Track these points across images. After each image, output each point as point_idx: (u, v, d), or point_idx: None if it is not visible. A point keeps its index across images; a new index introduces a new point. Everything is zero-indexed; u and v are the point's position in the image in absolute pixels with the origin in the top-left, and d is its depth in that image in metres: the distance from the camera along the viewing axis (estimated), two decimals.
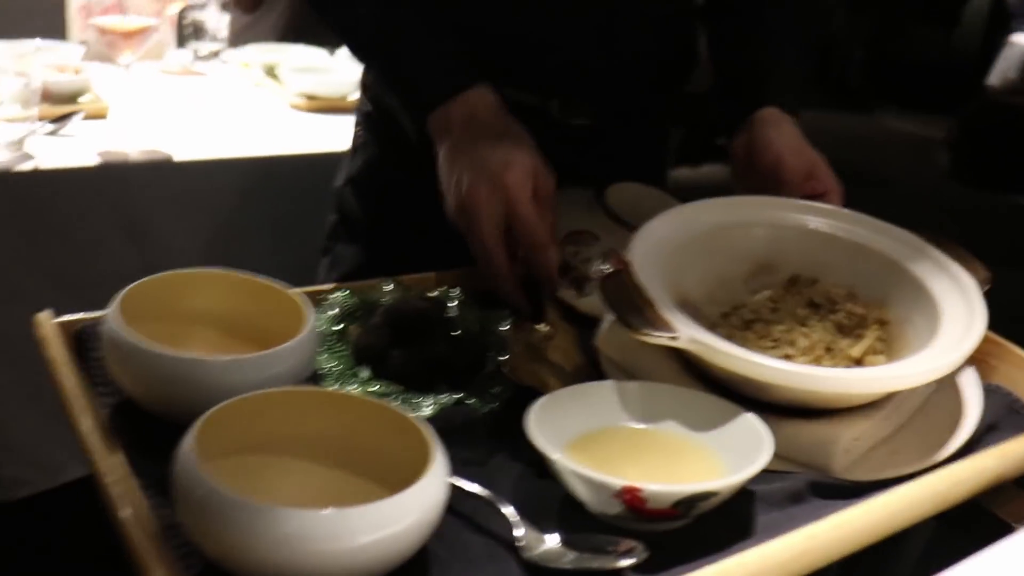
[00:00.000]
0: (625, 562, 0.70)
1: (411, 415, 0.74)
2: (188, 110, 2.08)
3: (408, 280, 1.04)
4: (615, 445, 0.84)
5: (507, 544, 0.74)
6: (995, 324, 0.96)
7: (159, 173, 1.76)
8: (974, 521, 0.90)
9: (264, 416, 0.75)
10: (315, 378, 0.89)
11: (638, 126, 1.34)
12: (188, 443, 0.68)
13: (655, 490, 0.73)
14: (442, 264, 1.10)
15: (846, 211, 1.04)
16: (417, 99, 1.10)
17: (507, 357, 0.93)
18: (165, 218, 1.75)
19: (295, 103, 2.14)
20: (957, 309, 0.91)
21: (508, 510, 0.76)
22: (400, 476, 0.69)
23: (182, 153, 1.80)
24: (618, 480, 0.73)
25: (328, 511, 0.64)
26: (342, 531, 0.64)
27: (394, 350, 0.91)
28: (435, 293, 1.00)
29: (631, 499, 0.73)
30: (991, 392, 0.97)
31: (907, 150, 5.46)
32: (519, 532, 0.74)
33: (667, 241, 0.98)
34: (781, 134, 1.15)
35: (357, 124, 1.36)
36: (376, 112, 1.31)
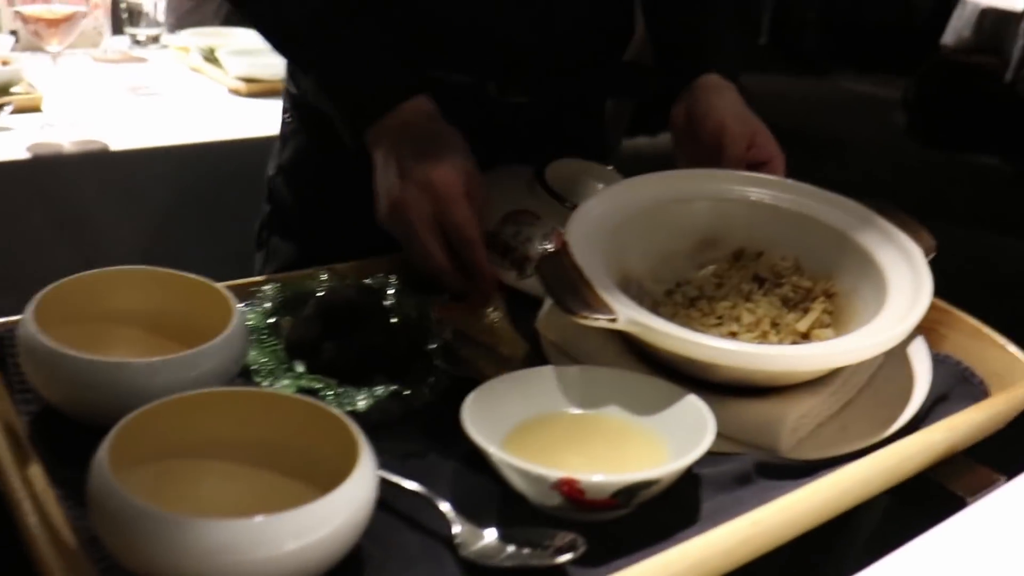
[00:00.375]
0: (563, 558, 0.67)
1: (337, 412, 0.71)
2: (125, 98, 2.02)
3: (341, 269, 1.01)
4: (556, 433, 0.82)
5: (445, 541, 0.72)
6: (947, 288, 0.94)
7: (95, 164, 1.71)
8: (925, 495, 0.88)
9: (186, 419, 0.72)
10: (247, 374, 0.86)
11: (577, 101, 1.30)
12: (102, 452, 0.64)
13: (593, 481, 0.70)
14: (379, 252, 1.07)
15: (790, 182, 1.01)
16: (354, 112, 1.07)
17: (439, 345, 0.89)
18: (103, 211, 1.70)
19: (234, 87, 2.09)
20: (904, 279, 0.89)
21: (445, 506, 0.73)
22: (330, 475, 0.67)
23: (119, 143, 1.76)
24: (554, 472, 0.71)
25: (249, 520, 0.61)
26: (265, 539, 0.61)
27: (327, 342, 0.87)
28: (370, 281, 0.97)
29: (569, 491, 0.71)
30: (941, 362, 0.95)
31: (864, 111, 5.48)
32: (456, 529, 0.72)
33: (607, 218, 0.96)
34: (723, 100, 1.12)
35: (285, 110, 1.32)
36: (303, 96, 1.26)
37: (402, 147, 1.01)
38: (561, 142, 1.20)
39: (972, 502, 0.86)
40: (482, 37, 1.17)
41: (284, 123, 1.32)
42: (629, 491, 0.71)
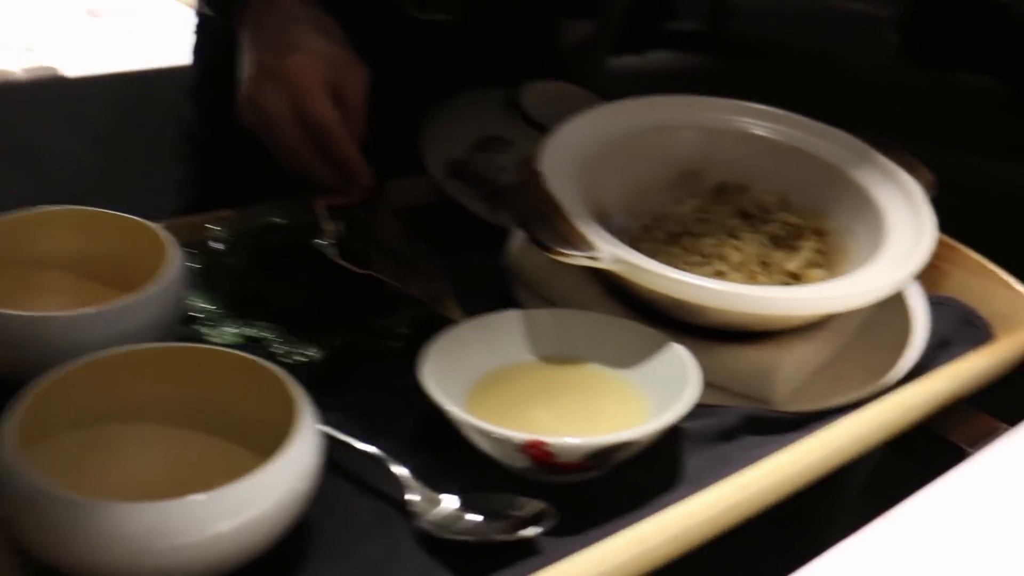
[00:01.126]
0: (528, 531, 0.61)
1: (274, 367, 0.64)
2: (83, 21, 1.93)
3: (290, 206, 0.92)
4: (525, 385, 0.75)
5: (400, 508, 0.65)
6: (943, 220, 0.87)
7: (48, 91, 1.63)
8: (922, 446, 0.82)
9: (108, 381, 0.64)
10: (188, 323, 0.79)
11: (516, 21, 1.18)
12: (6, 425, 0.57)
13: (563, 444, 0.64)
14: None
15: (781, 112, 0.93)
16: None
17: (329, 242, 0.79)
18: (55, 142, 1.62)
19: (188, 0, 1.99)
20: (903, 218, 0.82)
21: (400, 470, 0.67)
22: (272, 438, 0.60)
23: (74, 69, 1.67)
24: (521, 434, 0.64)
25: (175, 501, 0.54)
26: (195, 522, 0.54)
27: (272, 285, 0.80)
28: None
29: (537, 454, 0.64)
30: (942, 305, 0.88)
31: (857, 30, 5.36)
32: (411, 496, 0.65)
33: (583, 147, 0.88)
34: None
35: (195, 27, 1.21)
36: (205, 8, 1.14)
37: (260, 33, 0.89)
38: (506, 70, 1.10)
39: (973, 452, 0.80)
40: None
41: (194, 41, 1.22)
42: (603, 453, 0.65)
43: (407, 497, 0.65)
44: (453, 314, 0.79)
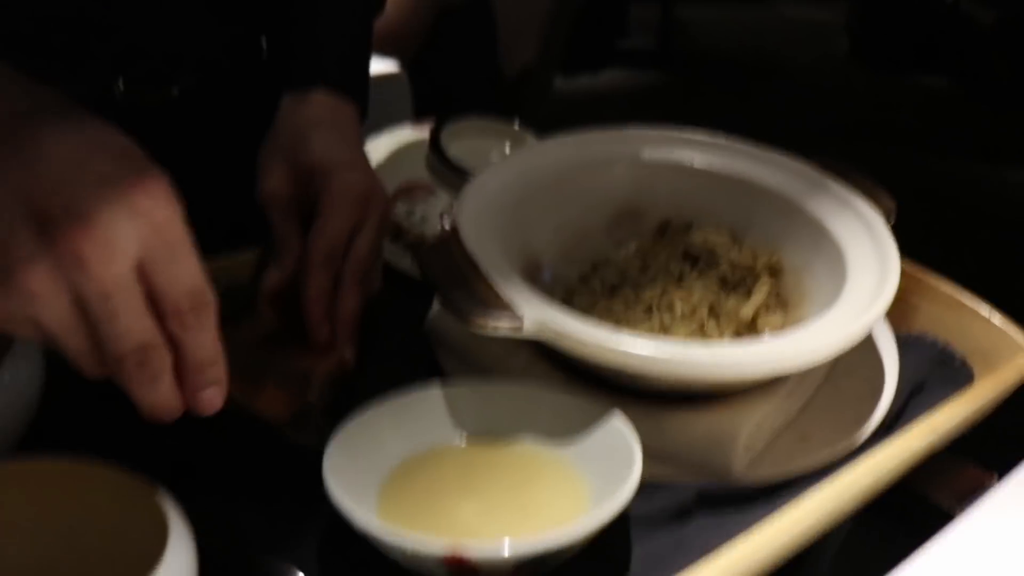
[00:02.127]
0: None
1: (148, 484, 0.55)
2: None
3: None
4: (447, 473, 0.66)
5: None
6: (911, 243, 0.79)
7: None
8: (900, 508, 0.73)
9: None
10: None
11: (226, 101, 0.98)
12: None
13: (487, 557, 0.54)
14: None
15: (723, 140, 0.84)
16: None
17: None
18: None
19: None
20: (864, 252, 0.74)
21: None
22: (147, 560, 0.51)
23: None
24: (439, 546, 0.54)
25: None
26: None
27: None
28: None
29: (459, 567, 0.55)
30: (913, 344, 0.79)
31: (806, 37, 5.33)
32: None
33: (507, 192, 0.79)
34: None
35: None
36: None
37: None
38: (214, 144, 0.95)
39: (959, 512, 0.71)
40: (104, 41, 0.88)
41: None
42: (535, 562, 0.56)
43: None
44: (307, 440, 0.67)
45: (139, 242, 0.49)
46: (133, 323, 0.50)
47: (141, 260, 0.49)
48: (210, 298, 0.52)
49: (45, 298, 0.48)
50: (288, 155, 0.79)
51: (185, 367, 0.53)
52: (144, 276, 0.50)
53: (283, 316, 0.76)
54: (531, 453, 0.67)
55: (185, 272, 0.51)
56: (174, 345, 0.52)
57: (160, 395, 0.52)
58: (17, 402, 0.63)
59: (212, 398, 0.54)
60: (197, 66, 0.93)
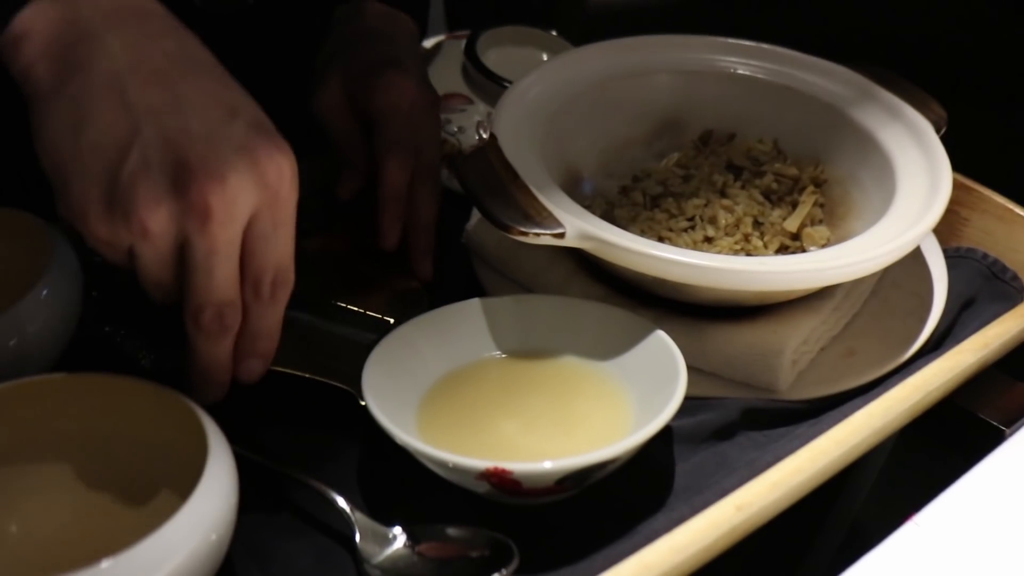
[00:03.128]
0: None
1: (183, 398, 0.54)
2: None
3: None
4: (487, 388, 0.64)
5: (347, 548, 0.56)
6: (963, 162, 0.76)
7: None
8: (949, 426, 0.71)
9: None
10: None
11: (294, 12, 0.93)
12: None
13: (528, 471, 0.53)
14: None
15: (767, 46, 0.82)
16: None
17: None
18: None
19: None
20: (914, 162, 0.71)
21: (344, 504, 0.56)
22: (184, 475, 0.51)
23: None
24: (479, 461, 0.53)
25: None
26: None
27: None
28: None
29: (500, 482, 0.54)
30: (963, 258, 0.77)
31: None
32: (358, 537, 0.55)
33: (546, 101, 0.77)
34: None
35: None
36: None
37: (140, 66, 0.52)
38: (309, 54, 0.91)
39: (1010, 432, 0.69)
40: None
41: None
42: (577, 476, 0.55)
43: (357, 537, 0.55)
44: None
45: (255, 209, 0.52)
46: (224, 281, 0.53)
47: (250, 224, 0.52)
48: (291, 278, 0.56)
49: (157, 237, 0.51)
50: (342, 65, 0.78)
51: (243, 331, 0.56)
52: (245, 240, 0.53)
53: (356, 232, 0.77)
54: (571, 367, 0.66)
55: (281, 248, 0.54)
56: (243, 308, 0.55)
57: (219, 350, 0.56)
58: (56, 319, 0.62)
59: (254, 368, 0.58)
60: None
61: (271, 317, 0.56)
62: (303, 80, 0.80)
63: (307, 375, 0.64)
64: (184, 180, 0.50)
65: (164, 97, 0.51)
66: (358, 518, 0.56)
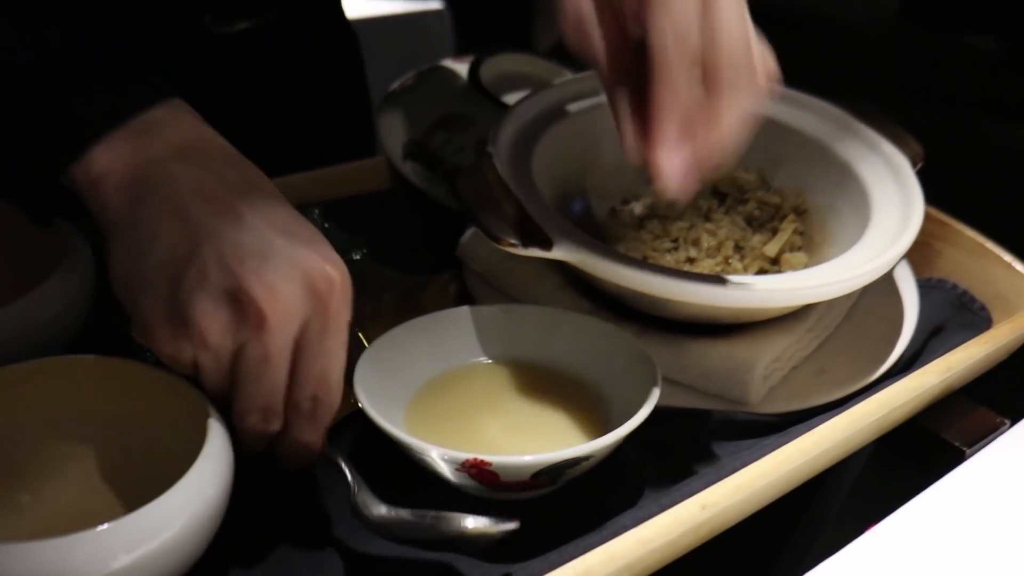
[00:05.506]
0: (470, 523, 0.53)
1: (184, 382, 0.57)
2: None
3: None
4: (472, 390, 0.68)
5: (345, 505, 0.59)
6: (940, 196, 0.80)
7: None
8: (914, 446, 0.75)
9: (12, 395, 0.58)
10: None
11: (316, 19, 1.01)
12: None
13: (506, 463, 0.57)
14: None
15: None
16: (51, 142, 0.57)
17: None
18: None
19: None
20: (889, 194, 0.75)
21: (347, 467, 0.59)
22: (182, 454, 0.54)
23: None
24: (460, 453, 0.57)
25: (63, 539, 0.48)
26: (86, 559, 0.48)
27: None
28: None
29: (479, 473, 0.58)
30: (934, 288, 0.81)
31: None
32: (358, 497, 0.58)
33: (543, 124, 0.81)
34: None
35: None
36: None
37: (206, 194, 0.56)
38: (313, 74, 0.98)
39: (971, 453, 0.73)
40: None
41: None
42: (553, 471, 0.58)
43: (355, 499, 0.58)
44: None
45: (305, 319, 0.55)
46: (271, 389, 0.56)
47: (300, 334, 0.55)
48: (334, 398, 0.58)
49: (215, 347, 0.54)
50: None
51: (283, 441, 0.59)
52: (294, 351, 0.56)
53: None
54: (553, 374, 0.69)
55: (326, 361, 0.57)
56: (285, 420, 0.58)
57: (256, 444, 0.59)
58: (69, 307, 0.66)
59: (289, 469, 0.61)
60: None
61: (310, 435, 0.59)
62: (308, 97, 0.83)
63: None
64: (238, 290, 0.53)
65: (223, 218, 0.54)
66: (360, 483, 0.58)
